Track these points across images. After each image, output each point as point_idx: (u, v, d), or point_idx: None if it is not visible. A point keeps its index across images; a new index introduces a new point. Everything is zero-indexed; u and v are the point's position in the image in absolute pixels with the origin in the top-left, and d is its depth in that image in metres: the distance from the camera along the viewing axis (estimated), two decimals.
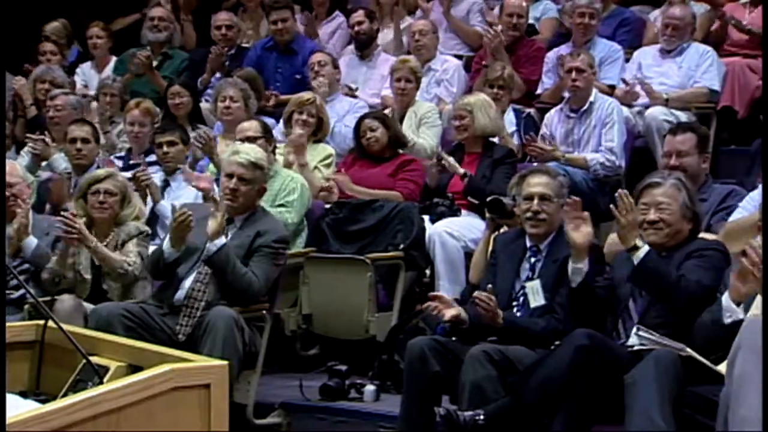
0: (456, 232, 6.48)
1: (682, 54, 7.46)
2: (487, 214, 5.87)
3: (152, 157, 7.25)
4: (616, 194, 4.65)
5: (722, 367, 4.02)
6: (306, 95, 7.32)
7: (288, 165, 6.86)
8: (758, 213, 4.67)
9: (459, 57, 8.44)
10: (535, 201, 5.03)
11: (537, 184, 5.08)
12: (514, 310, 4.97)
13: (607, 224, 5.85)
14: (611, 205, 4.65)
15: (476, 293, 4.84)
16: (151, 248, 5.90)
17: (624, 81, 7.42)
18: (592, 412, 4.36)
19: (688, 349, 4.23)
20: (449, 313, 4.86)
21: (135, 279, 5.83)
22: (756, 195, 5.21)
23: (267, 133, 6.75)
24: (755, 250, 4.21)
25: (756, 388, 3.76)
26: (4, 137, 6.91)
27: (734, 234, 4.95)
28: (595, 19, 7.74)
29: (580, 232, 4.70)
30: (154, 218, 6.69)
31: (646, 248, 4.55)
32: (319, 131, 7.24)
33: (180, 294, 5.43)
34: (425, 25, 8.27)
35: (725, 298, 4.30)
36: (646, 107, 7.31)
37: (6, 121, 8.17)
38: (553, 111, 7.26)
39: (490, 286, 4.89)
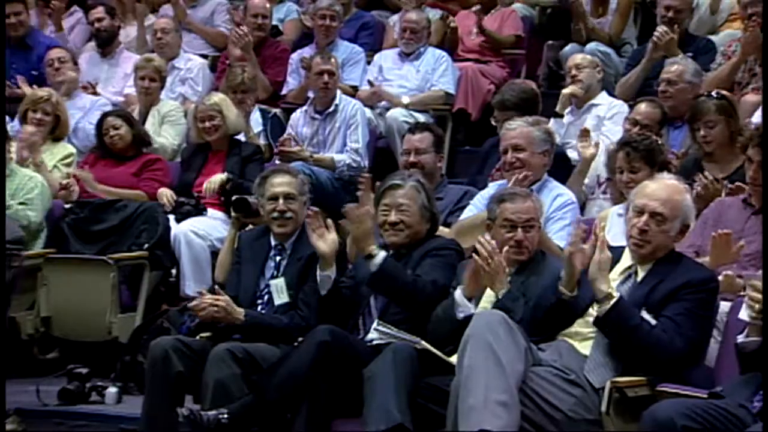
0: (202, 231, 6.43)
1: (419, 58, 7.69)
2: (233, 213, 5.84)
3: None
4: (343, 209, 4.68)
5: (455, 359, 4.14)
6: (41, 92, 7.07)
7: (21, 162, 6.59)
8: (485, 212, 4.85)
9: (204, 56, 8.36)
10: (281, 200, 5.03)
11: (280, 183, 5.09)
12: (259, 308, 4.96)
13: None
14: (341, 221, 4.69)
15: (207, 297, 4.80)
16: None
17: (370, 83, 7.56)
18: (333, 407, 4.40)
19: (424, 342, 4.34)
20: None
21: None
22: (486, 193, 5.42)
23: None
24: (484, 246, 4.38)
25: (483, 378, 3.90)
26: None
27: (465, 231, 5.12)
28: (336, 21, 7.85)
29: (325, 241, 4.73)
30: None
31: (382, 255, 4.62)
32: (56, 129, 7.00)
33: None
34: (167, 23, 8.15)
35: (458, 294, 4.45)
36: (387, 109, 7.48)
37: None
38: (298, 112, 7.32)
39: (217, 287, 4.85)
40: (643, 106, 6.06)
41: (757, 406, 3.62)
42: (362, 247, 4.65)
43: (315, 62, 7.17)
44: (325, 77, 7.07)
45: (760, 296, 3.67)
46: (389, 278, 4.63)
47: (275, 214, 5.03)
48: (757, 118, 5.67)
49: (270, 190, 5.07)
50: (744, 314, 3.79)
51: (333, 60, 7.15)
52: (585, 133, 6.03)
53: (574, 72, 6.72)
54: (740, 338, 3.82)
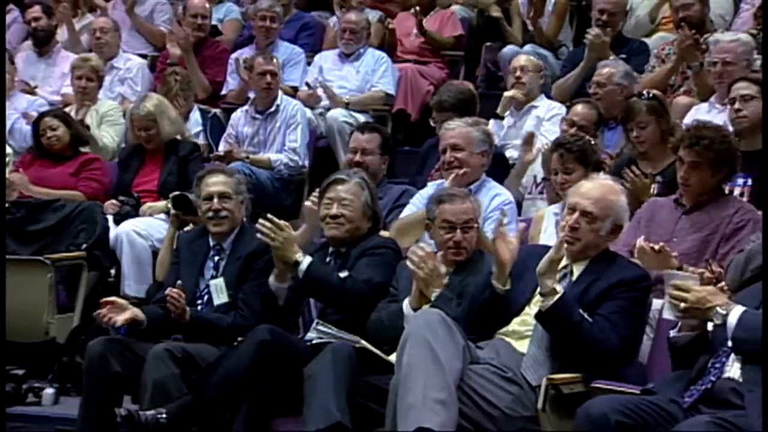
0: (144, 232, 6.37)
1: (359, 59, 7.71)
2: (172, 211, 5.80)
3: None
4: (259, 222, 4.65)
5: (394, 358, 4.15)
6: None
7: None
8: (425, 210, 4.87)
9: (144, 56, 8.29)
10: (215, 200, 5.01)
11: (215, 183, 5.06)
12: (199, 308, 4.93)
13: (291, 222, 5.90)
14: (262, 234, 4.64)
15: (168, 290, 4.76)
16: None
17: (308, 84, 7.55)
18: (273, 406, 4.39)
19: (363, 342, 4.35)
20: (121, 318, 4.72)
21: None
22: (425, 192, 5.45)
23: None
24: (415, 253, 4.41)
25: (422, 377, 3.92)
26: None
27: (404, 230, 5.15)
28: (276, 22, 7.84)
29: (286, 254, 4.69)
30: None
31: (307, 260, 4.62)
32: None
33: None
34: (106, 22, 8.08)
35: (405, 305, 4.47)
36: (328, 109, 7.48)
37: None
38: (239, 111, 7.30)
39: (179, 282, 4.82)
40: (579, 107, 6.12)
41: (687, 401, 3.67)
42: (287, 255, 4.63)
43: (257, 63, 7.15)
44: (268, 77, 7.05)
45: (683, 295, 3.72)
46: (316, 282, 4.63)
47: (210, 214, 5.00)
48: (688, 119, 5.76)
49: (205, 190, 5.05)
50: (668, 314, 3.85)
51: (275, 60, 7.13)
52: (530, 138, 6.07)
53: (518, 74, 6.75)
54: (672, 333, 3.88)
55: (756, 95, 5.34)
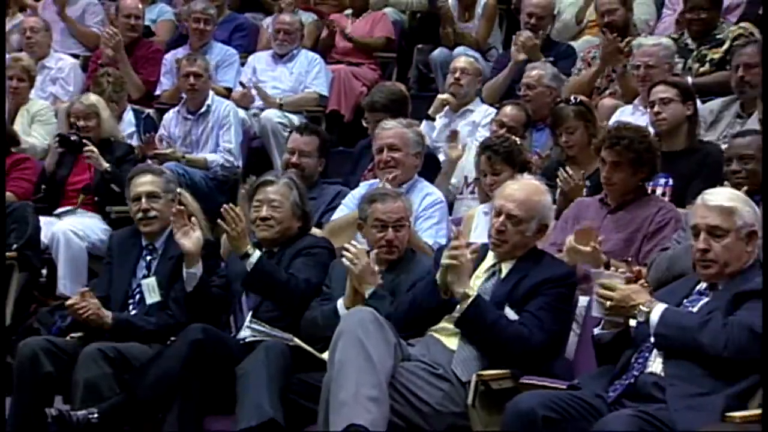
0: (81, 232, 6.35)
1: (293, 60, 7.71)
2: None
3: None
4: (222, 209, 4.67)
5: (327, 355, 4.16)
6: None
7: None
8: (357, 210, 4.88)
9: (76, 56, 8.19)
10: (143, 200, 4.97)
11: (143, 183, 5.03)
12: (130, 307, 4.89)
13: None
14: (218, 220, 4.66)
15: (71, 300, 4.72)
16: None
17: (241, 84, 7.52)
18: (206, 405, 4.38)
19: (296, 339, 4.36)
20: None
21: None
22: (357, 193, 5.46)
23: None
24: (350, 249, 4.43)
25: (354, 374, 3.93)
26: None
27: (337, 230, 5.15)
28: (210, 24, 7.81)
29: (190, 239, 4.72)
30: None
31: (257, 254, 4.62)
32: None
33: None
34: (36, 22, 7.99)
35: (340, 305, 4.48)
36: (262, 110, 7.46)
37: None
38: (171, 112, 7.26)
39: (86, 288, 4.77)
40: (508, 109, 6.18)
41: (612, 396, 3.73)
42: (239, 246, 4.64)
43: (182, 64, 7.14)
44: (191, 79, 7.03)
45: (609, 293, 3.78)
46: (265, 277, 4.63)
47: (139, 214, 4.96)
48: (613, 121, 5.84)
49: (134, 190, 5.01)
50: (596, 312, 3.91)
51: (199, 62, 7.09)
52: (453, 135, 6.12)
53: (458, 75, 6.77)
54: (596, 330, 3.93)
55: (674, 98, 5.43)
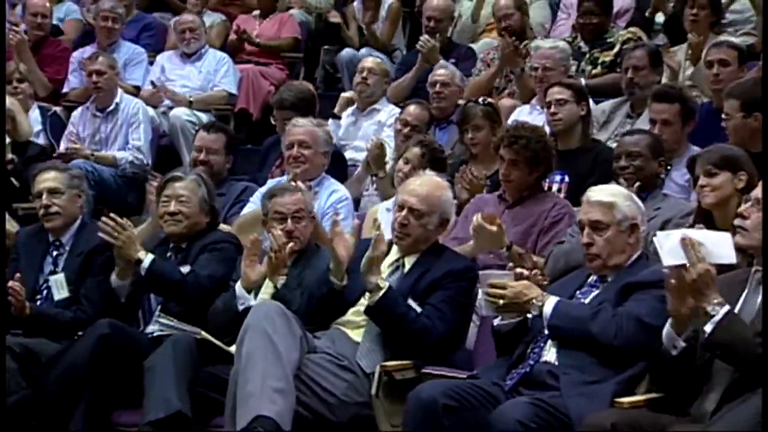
0: None
1: (201, 59, 7.64)
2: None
3: None
4: (101, 221, 4.58)
5: (234, 349, 4.13)
6: None
7: None
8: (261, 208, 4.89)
9: None
10: (44, 196, 4.88)
11: (44, 180, 4.94)
12: (38, 303, 4.79)
13: (134, 218, 5.81)
14: (104, 232, 4.57)
15: (10, 283, 4.61)
16: None
17: (153, 83, 7.43)
18: (114, 399, 4.32)
19: (204, 333, 4.33)
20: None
21: None
22: (264, 190, 5.41)
23: None
24: (278, 239, 4.43)
25: (261, 366, 3.93)
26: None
27: (244, 227, 5.13)
28: (118, 23, 7.70)
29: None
30: None
31: (149, 258, 4.57)
32: None
33: None
34: None
35: (238, 287, 4.46)
36: (171, 108, 7.39)
37: None
38: (80, 109, 7.14)
39: (18, 275, 4.68)
40: (412, 108, 6.21)
41: (509, 384, 3.78)
42: (128, 254, 4.57)
43: (86, 63, 7.04)
44: (95, 77, 6.92)
45: (501, 292, 3.84)
46: (158, 279, 4.59)
47: (42, 210, 4.87)
48: (510, 120, 5.92)
49: (36, 187, 4.93)
50: (486, 311, 3.97)
51: (101, 59, 6.99)
52: (380, 154, 5.90)
53: (365, 74, 6.78)
54: (496, 321, 3.99)
55: (569, 99, 5.52)
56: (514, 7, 7.04)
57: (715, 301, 3.29)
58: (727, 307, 3.30)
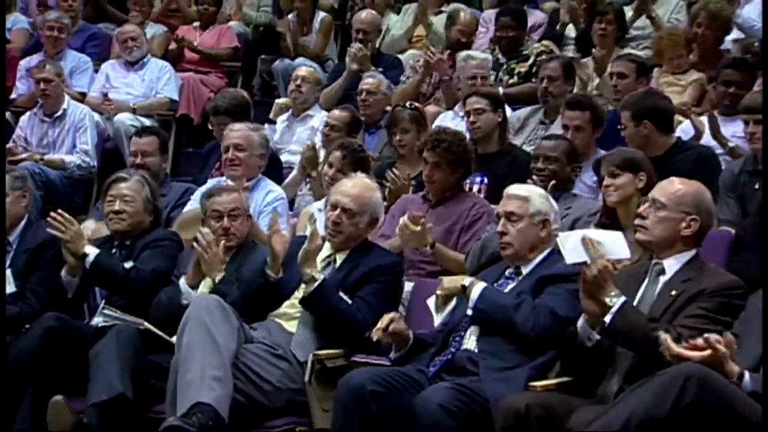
0: None
1: (143, 68, 7.57)
2: None
3: None
4: (50, 217, 4.54)
5: (175, 338, 4.09)
6: None
7: None
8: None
9: None
10: None
11: None
12: None
13: (80, 217, 5.73)
14: (52, 228, 4.52)
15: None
16: None
17: (105, 95, 7.31)
18: (60, 388, 4.24)
19: (146, 324, 4.30)
20: None
21: None
22: (204, 189, 5.38)
23: None
24: (205, 237, 4.40)
25: (200, 356, 3.90)
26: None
27: (185, 225, 5.09)
28: (64, 32, 7.59)
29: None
30: None
31: (94, 252, 4.53)
32: None
33: None
34: None
35: (182, 283, 4.43)
36: (115, 113, 7.29)
37: None
38: (27, 114, 7.03)
39: None
40: (336, 112, 6.23)
41: (432, 371, 3.81)
42: (74, 249, 4.53)
43: (33, 72, 6.95)
44: (42, 84, 6.83)
45: (446, 292, 3.90)
46: (103, 272, 4.55)
47: None
48: (434, 125, 5.96)
49: None
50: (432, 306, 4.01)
51: (48, 68, 6.89)
52: (313, 156, 5.91)
53: (299, 82, 6.76)
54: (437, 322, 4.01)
55: (486, 108, 5.56)
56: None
57: (613, 293, 3.38)
58: (623, 298, 3.39)
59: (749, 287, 3.52)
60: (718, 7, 6.41)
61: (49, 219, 4.51)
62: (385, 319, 3.92)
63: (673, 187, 3.66)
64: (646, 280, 3.62)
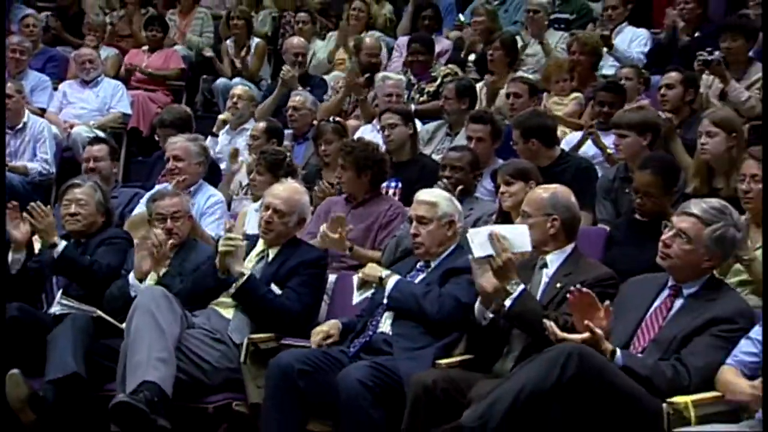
0: None
1: (98, 86, 7.44)
2: None
3: None
4: (29, 206, 4.47)
5: (125, 325, 4.02)
6: None
7: None
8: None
9: None
10: None
11: None
12: None
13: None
14: (30, 216, 4.45)
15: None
16: None
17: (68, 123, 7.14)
18: (22, 370, 4.07)
19: (99, 312, 4.22)
20: None
21: None
22: (151, 194, 5.30)
23: None
24: (157, 237, 4.34)
25: (147, 340, 3.85)
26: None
27: (135, 225, 4.99)
28: (25, 54, 7.43)
29: (19, 230, 4.50)
30: None
31: (63, 244, 4.45)
32: None
33: None
34: None
35: (131, 277, 4.35)
36: (72, 127, 7.14)
37: None
38: None
39: None
40: (260, 125, 6.17)
41: (352, 351, 3.82)
42: (46, 237, 4.46)
43: None
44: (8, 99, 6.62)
45: (365, 278, 3.95)
46: (69, 263, 4.46)
47: None
48: (356, 136, 5.95)
49: None
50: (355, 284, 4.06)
51: (10, 85, 6.69)
52: (235, 153, 6.05)
53: (235, 100, 6.69)
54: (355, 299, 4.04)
55: (398, 122, 5.55)
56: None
57: (514, 281, 3.40)
58: (522, 286, 3.42)
59: (620, 277, 3.60)
60: (586, 36, 6.59)
61: (29, 207, 4.46)
62: (322, 334, 3.93)
63: (533, 195, 3.75)
64: (534, 272, 3.67)
